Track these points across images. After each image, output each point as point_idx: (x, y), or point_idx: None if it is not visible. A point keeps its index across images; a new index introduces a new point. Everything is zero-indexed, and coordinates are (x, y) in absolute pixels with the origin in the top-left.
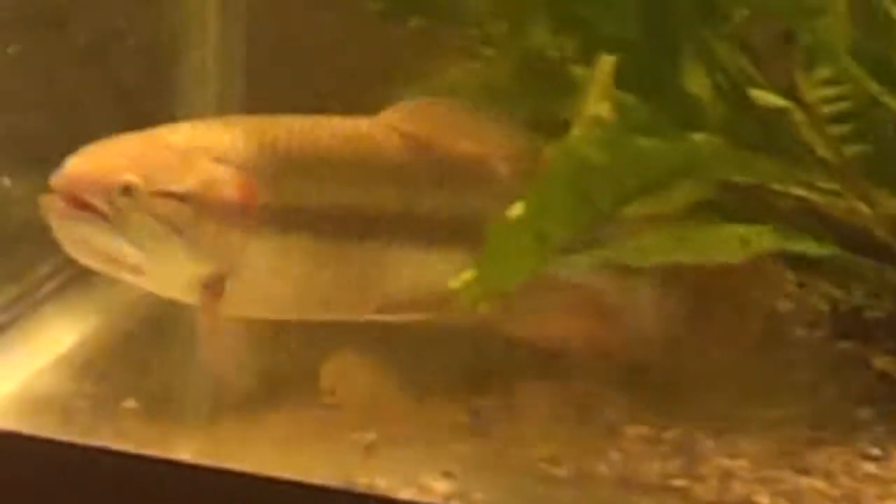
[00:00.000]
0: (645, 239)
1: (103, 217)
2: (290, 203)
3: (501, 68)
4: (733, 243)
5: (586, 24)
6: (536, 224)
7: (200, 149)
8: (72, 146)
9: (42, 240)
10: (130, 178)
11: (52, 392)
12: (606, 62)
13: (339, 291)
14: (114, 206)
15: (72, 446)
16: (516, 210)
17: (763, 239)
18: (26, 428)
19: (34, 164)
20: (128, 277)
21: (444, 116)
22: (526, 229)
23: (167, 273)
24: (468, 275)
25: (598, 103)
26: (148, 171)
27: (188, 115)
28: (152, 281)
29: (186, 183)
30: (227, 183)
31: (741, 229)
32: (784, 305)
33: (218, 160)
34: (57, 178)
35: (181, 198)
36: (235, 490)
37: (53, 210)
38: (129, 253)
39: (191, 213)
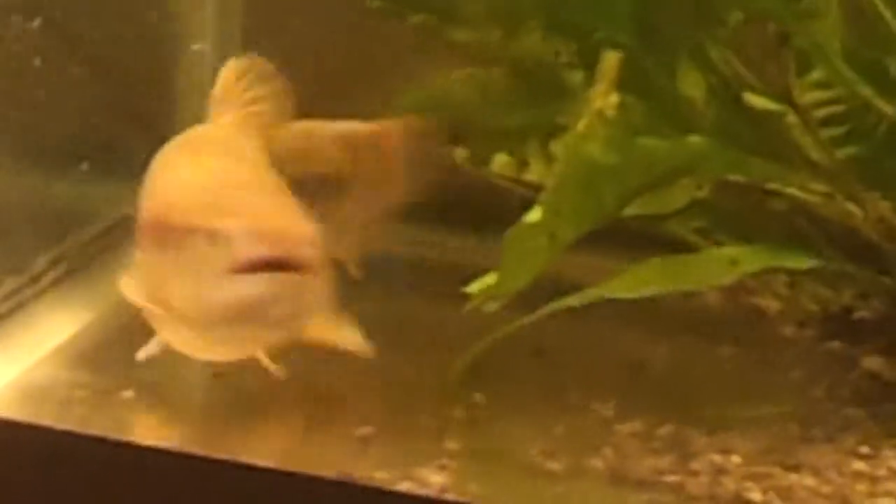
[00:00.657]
0: (636, 271)
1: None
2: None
3: (496, 72)
4: (722, 266)
5: (581, 28)
6: (550, 225)
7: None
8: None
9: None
10: (311, 227)
11: (50, 382)
12: (612, 57)
13: None
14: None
15: (70, 435)
16: (533, 214)
17: (751, 258)
18: (25, 417)
19: (33, 157)
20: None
21: None
22: (541, 231)
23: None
24: (489, 279)
25: (603, 97)
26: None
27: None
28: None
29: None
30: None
31: (728, 251)
32: (774, 305)
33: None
34: (245, 243)
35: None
36: (230, 480)
37: (250, 278)
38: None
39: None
